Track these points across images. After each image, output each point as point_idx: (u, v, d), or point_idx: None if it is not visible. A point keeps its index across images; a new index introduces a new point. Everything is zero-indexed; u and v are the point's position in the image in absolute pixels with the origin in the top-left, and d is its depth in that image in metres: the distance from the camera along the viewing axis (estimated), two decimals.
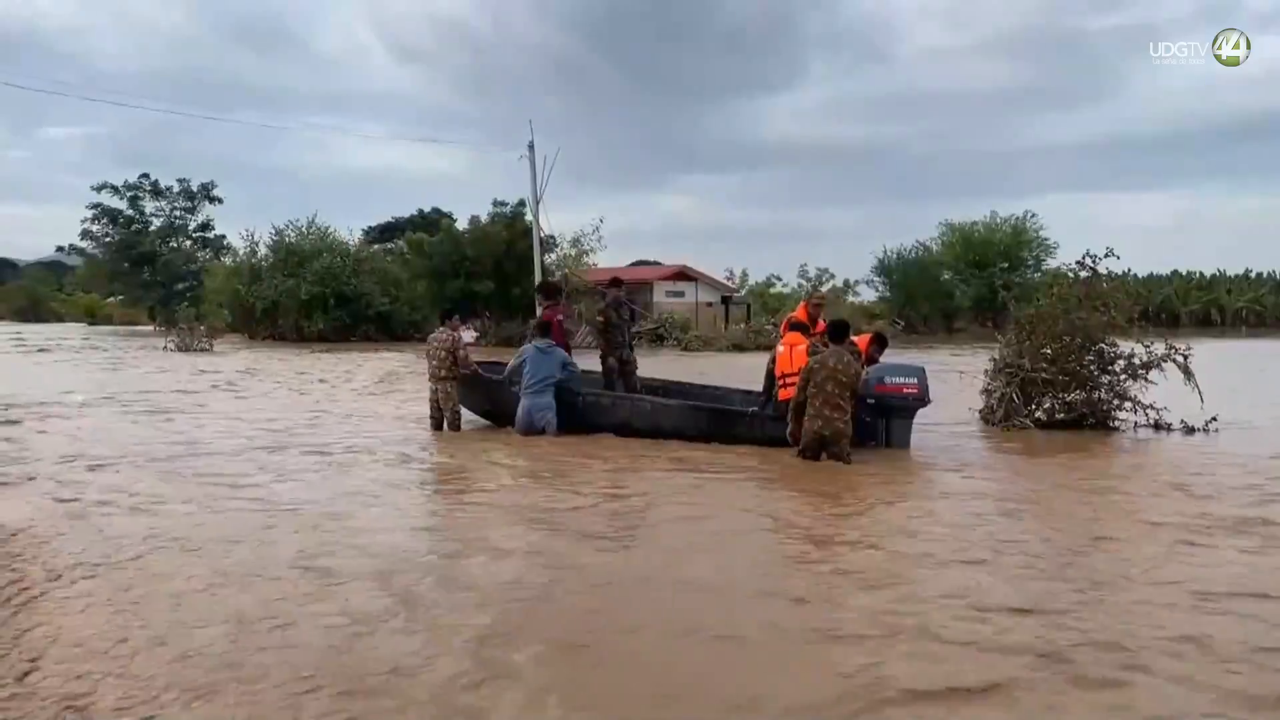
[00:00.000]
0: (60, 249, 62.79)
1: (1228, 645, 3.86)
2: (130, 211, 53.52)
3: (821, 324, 9.97)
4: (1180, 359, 10.92)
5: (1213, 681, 3.50)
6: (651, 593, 4.69)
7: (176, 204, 54.60)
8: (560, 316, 11.30)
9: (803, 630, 4.12)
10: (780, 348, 9.51)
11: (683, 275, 46.99)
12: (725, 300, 49.41)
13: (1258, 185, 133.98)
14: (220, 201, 55.79)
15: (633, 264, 55.08)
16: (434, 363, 10.58)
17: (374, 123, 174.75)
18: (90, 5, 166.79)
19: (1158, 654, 3.78)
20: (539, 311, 11.70)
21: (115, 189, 52.78)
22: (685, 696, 3.42)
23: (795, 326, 9.69)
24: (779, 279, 60.24)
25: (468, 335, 31.21)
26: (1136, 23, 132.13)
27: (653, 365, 11.91)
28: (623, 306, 11.59)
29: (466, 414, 10.94)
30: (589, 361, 11.96)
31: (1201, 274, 65.86)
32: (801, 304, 10.66)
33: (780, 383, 9.32)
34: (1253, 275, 66.37)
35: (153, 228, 53.64)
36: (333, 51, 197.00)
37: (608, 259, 41.84)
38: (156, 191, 53.88)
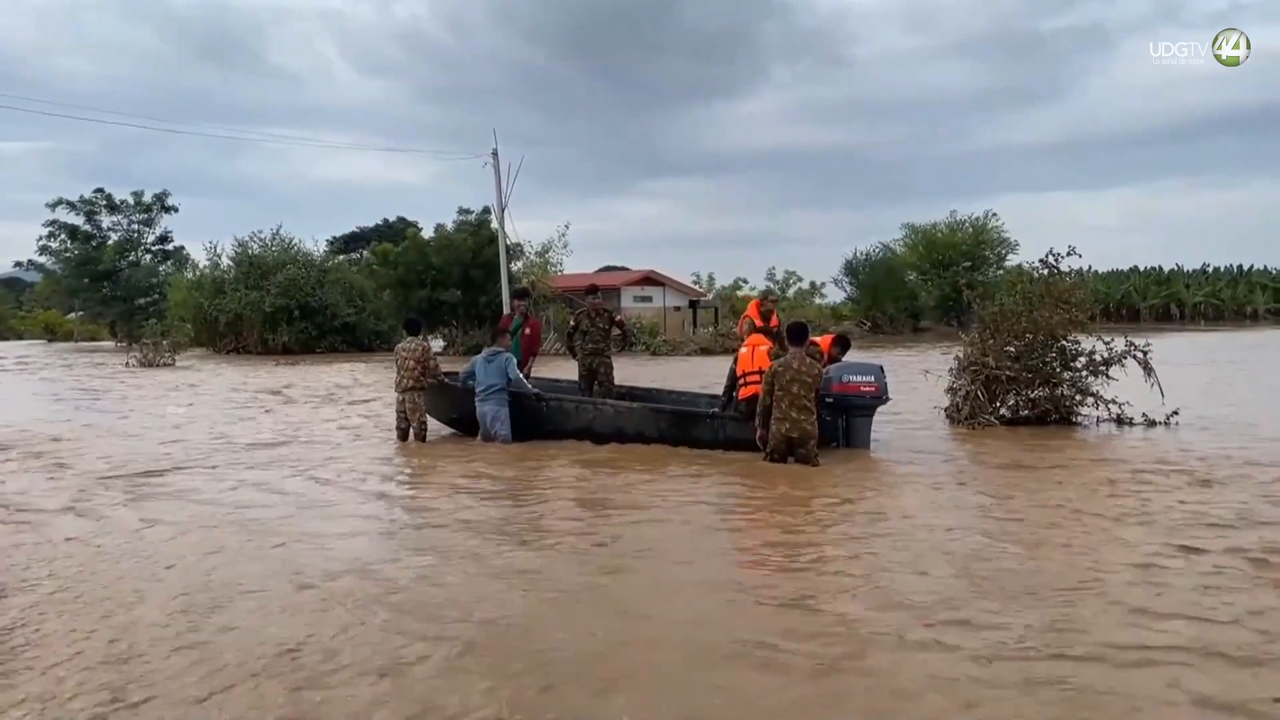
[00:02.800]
0: (19, 264, 61.41)
1: None
2: (88, 227, 52.61)
3: (775, 319, 10.17)
4: (1140, 355, 11.07)
5: None
6: (627, 618, 4.67)
7: (133, 217, 53.72)
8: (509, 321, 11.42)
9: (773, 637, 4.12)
10: (743, 349, 9.58)
11: (650, 280, 46.95)
12: (693, 304, 49.44)
13: (1211, 181, 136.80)
14: (175, 210, 54.87)
15: (601, 269, 54.99)
16: (402, 372, 10.52)
17: (342, 135, 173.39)
18: (48, 25, 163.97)
19: None
20: (517, 316, 11.68)
21: (71, 205, 51.88)
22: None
23: (754, 329, 9.85)
24: (746, 282, 60.39)
25: (434, 344, 30.99)
26: (1088, 23, 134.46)
27: (620, 370, 11.92)
28: (600, 315, 11.66)
29: (432, 423, 10.90)
30: (562, 370, 11.98)
31: (1160, 269, 66.94)
32: (753, 302, 10.81)
33: (741, 381, 9.40)
34: (1210, 270, 67.58)
35: (110, 242, 52.72)
36: (294, 66, 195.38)
37: (576, 265, 41.84)
38: (112, 206, 52.98)
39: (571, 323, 12.00)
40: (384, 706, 3.39)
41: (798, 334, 8.79)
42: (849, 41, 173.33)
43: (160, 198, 53.75)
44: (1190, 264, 67.70)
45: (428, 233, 39.74)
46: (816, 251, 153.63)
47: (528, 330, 11.56)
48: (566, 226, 41.22)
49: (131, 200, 53.18)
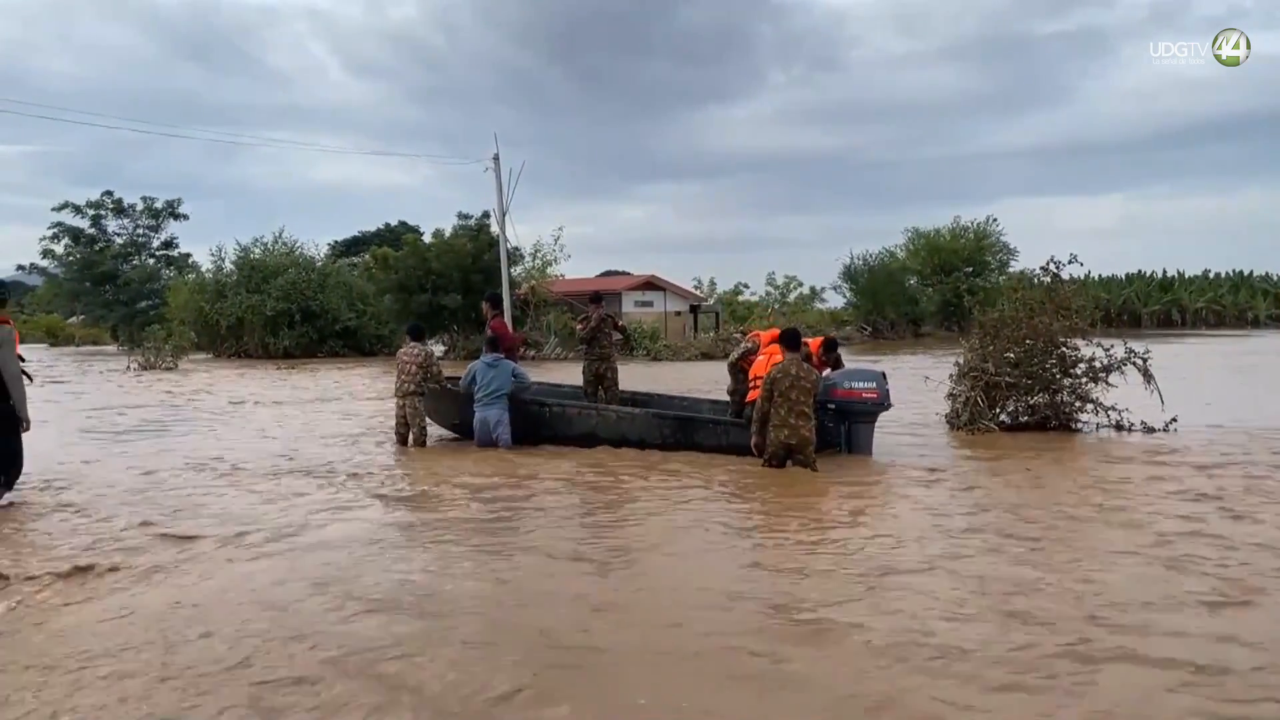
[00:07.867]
0: (21, 268, 61.37)
1: None
2: (92, 230, 52.72)
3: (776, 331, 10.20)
4: (1139, 363, 11.09)
5: None
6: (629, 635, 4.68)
7: (140, 222, 53.87)
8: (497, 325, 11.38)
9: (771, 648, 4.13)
10: (759, 356, 9.50)
11: (651, 285, 47.03)
12: (694, 309, 49.51)
13: (1204, 186, 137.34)
14: (185, 218, 55.22)
15: (602, 274, 55.18)
16: (404, 377, 10.54)
17: (332, 137, 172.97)
18: (35, 27, 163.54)
19: None
20: (488, 321, 11.64)
21: (77, 208, 51.97)
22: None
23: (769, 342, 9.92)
24: (746, 287, 60.59)
25: (435, 349, 30.96)
26: (1085, 28, 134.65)
27: (621, 375, 11.98)
28: (606, 321, 11.74)
29: (432, 428, 10.93)
30: (562, 374, 11.97)
31: (1164, 273, 67.02)
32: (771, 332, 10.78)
33: (751, 384, 9.40)
34: (1211, 275, 67.65)
35: (115, 246, 52.84)
36: (287, 68, 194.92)
37: (575, 269, 42.03)
38: (119, 209, 53.11)
39: (585, 332, 11.83)
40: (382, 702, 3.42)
41: (792, 340, 8.82)
42: (844, 45, 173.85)
43: (171, 204, 53.99)
44: (1184, 269, 67.95)
45: (428, 237, 39.85)
46: (812, 255, 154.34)
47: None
48: (560, 229, 41.31)
49: (141, 205, 53.38)
